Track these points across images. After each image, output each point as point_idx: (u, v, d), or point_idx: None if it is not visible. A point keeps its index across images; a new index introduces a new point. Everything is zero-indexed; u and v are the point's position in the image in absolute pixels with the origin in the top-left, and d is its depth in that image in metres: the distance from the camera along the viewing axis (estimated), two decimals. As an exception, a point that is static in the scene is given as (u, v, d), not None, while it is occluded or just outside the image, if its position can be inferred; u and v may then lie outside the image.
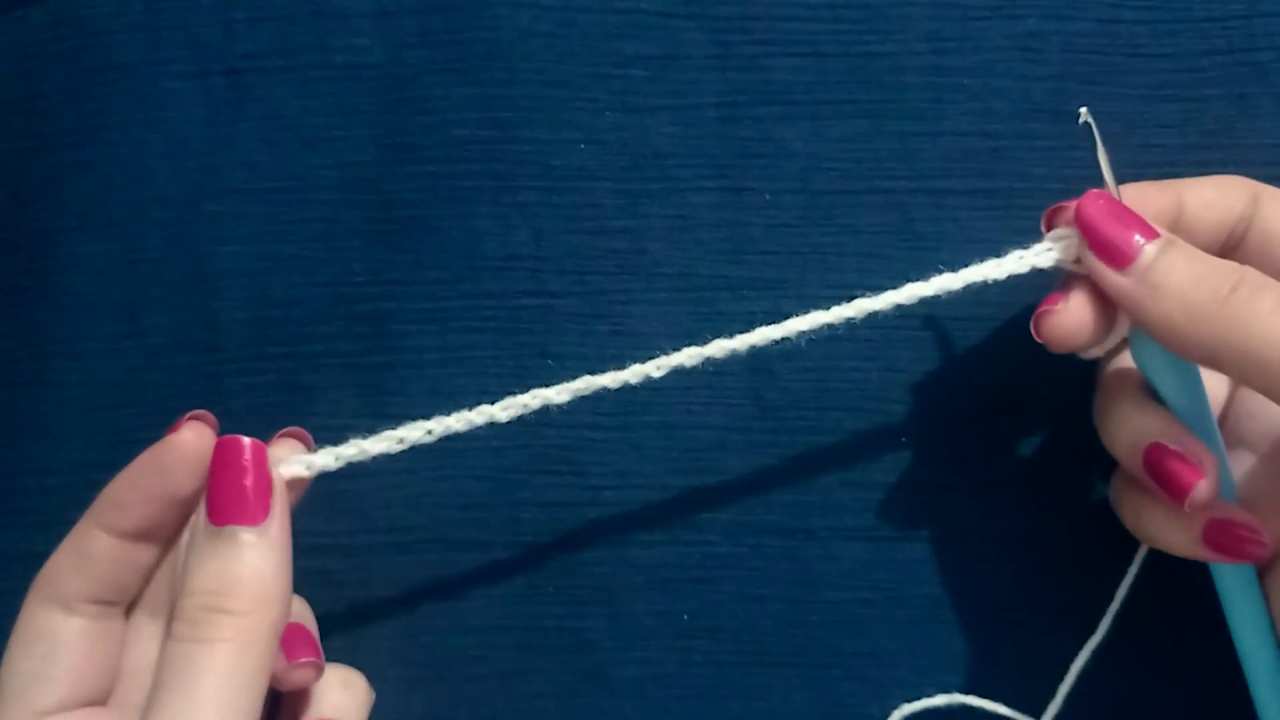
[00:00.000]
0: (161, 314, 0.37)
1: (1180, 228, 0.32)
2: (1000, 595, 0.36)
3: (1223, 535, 0.31)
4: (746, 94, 0.37)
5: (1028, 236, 0.35)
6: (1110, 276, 0.30)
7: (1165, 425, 0.31)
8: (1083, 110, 0.31)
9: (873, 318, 0.36)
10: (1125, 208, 0.30)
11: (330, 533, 0.36)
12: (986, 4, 0.37)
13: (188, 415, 0.30)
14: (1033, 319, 0.31)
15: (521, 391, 0.34)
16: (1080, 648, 0.35)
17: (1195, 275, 0.29)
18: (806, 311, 0.35)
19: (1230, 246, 0.32)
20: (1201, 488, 0.30)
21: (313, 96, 0.37)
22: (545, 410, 0.35)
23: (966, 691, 0.35)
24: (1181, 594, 0.35)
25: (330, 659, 0.35)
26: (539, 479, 0.36)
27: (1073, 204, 0.31)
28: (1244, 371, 0.28)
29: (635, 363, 0.34)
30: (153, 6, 0.38)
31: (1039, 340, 0.31)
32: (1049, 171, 0.37)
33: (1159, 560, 0.35)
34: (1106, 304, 0.31)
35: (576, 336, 0.36)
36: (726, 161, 0.37)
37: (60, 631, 0.29)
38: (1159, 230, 0.30)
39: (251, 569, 0.27)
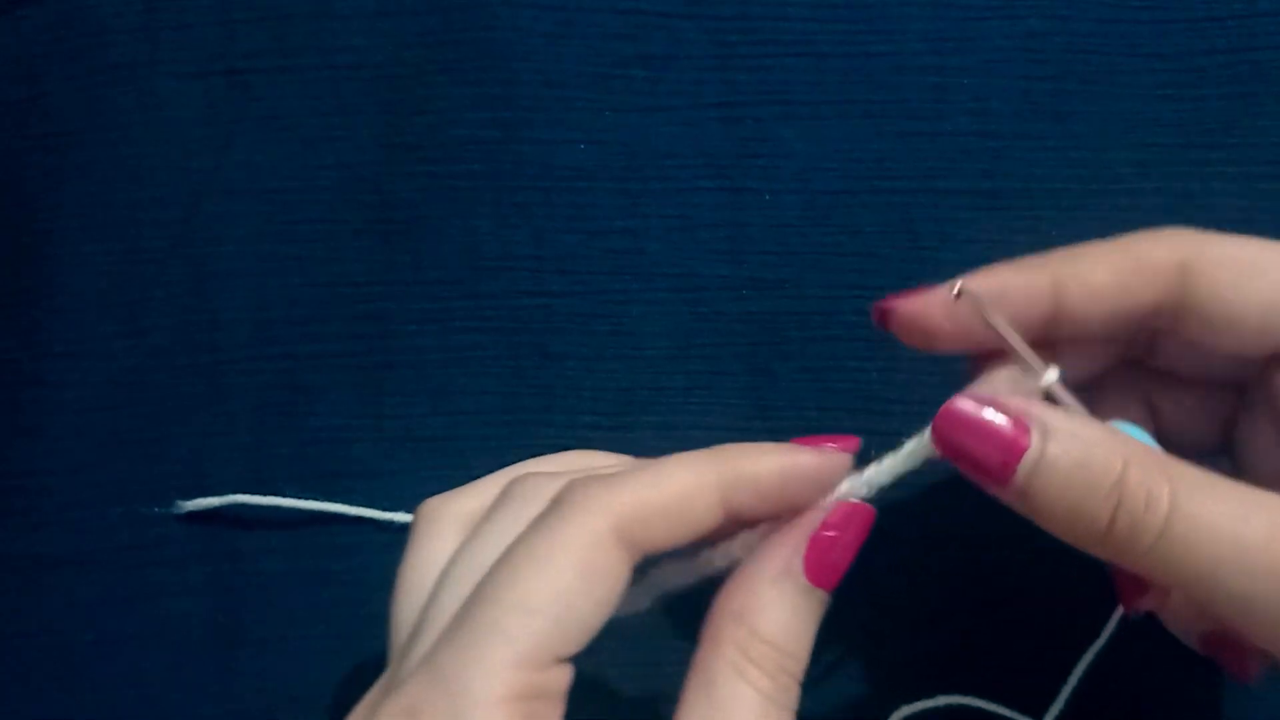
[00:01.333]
0: (161, 314, 0.37)
1: (1063, 323, 0.28)
2: (1000, 595, 0.36)
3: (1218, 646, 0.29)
4: (746, 94, 0.37)
5: (1027, 236, 0.35)
6: (992, 490, 0.27)
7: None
8: (957, 284, 0.28)
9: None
10: (984, 420, 0.26)
11: (330, 533, 0.36)
12: (986, 4, 0.37)
13: (842, 440, 0.28)
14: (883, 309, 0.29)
15: (522, 391, 0.35)
16: (1081, 648, 0.35)
17: (1071, 503, 0.25)
18: (806, 312, 0.36)
19: (1153, 337, 0.29)
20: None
21: (313, 97, 0.37)
22: (546, 410, 0.36)
23: (966, 692, 0.35)
24: (1182, 594, 0.35)
25: (330, 659, 0.36)
26: (539, 479, 0.36)
27: (894, 305, 0.29)
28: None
29: (636, 362, 0.35)
30: (153, 7, 0.38)
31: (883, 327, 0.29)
32: (1049, 171, 0.37)
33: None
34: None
35: (576, 336, 0.37)
36: (726, 161, 0.37)
37: (623, 580, 0.25)
38: (1029, 426, 0.26)
39: (806, 624, 0.26)
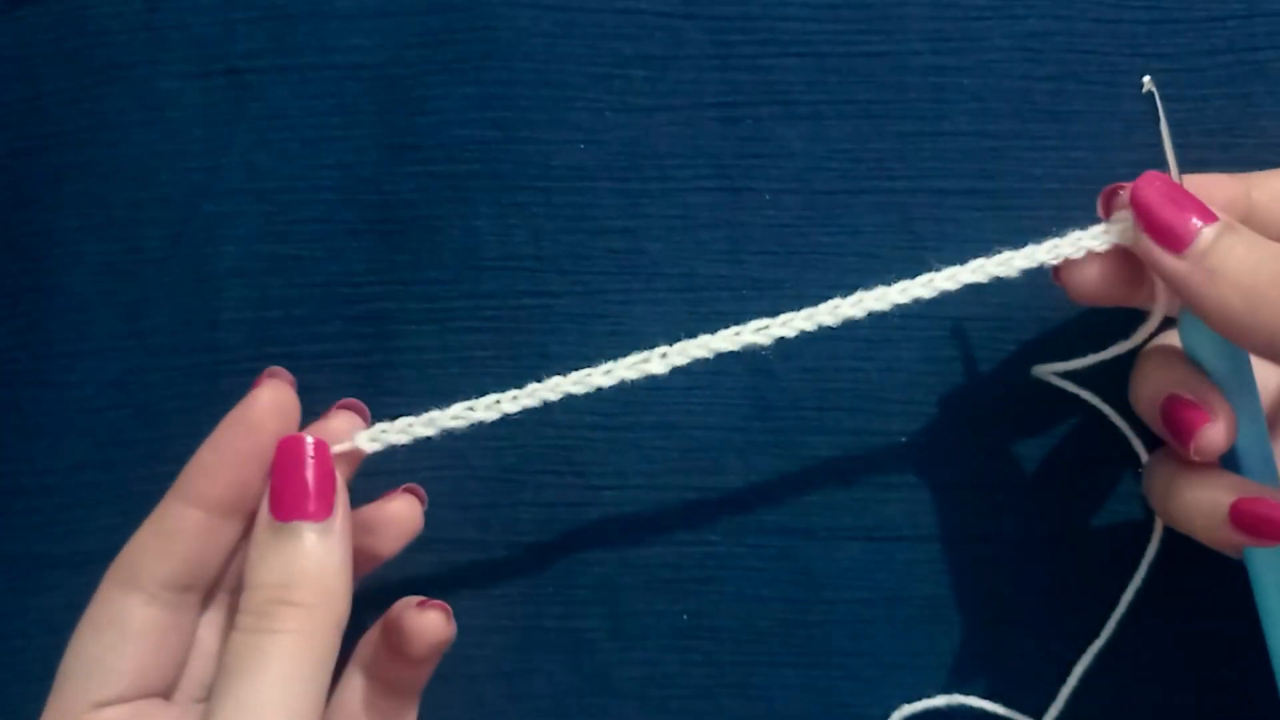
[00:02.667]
0: (162, 314, 0.37)
1: (1250, 224, 0.30)
2: (1000, 595, 0.36)
3: (1251, 514, 0.30)
4: (746, 94, 0.37)
5: (1027, 236, 0.35)
6: (1166, 260, 0.29)
7: (1188, 378, 0.30)
8: (1146, 80, 0.31)
9: (872, 318, 0.37)
10: (1182, 190, 0.29)
11: None
12: (986, 4, 0.37)
13: (265, 371, 0.30)
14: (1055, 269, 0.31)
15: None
16: (1081, 648, 0.35)
17: (1255, 260, 0.28)
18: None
19: None
20: (1210, 431, 0.29)
21: (312, 97, 0.37)
22: (546, 410, 0.36)
23: (966, 692, 0.36)
24: (1185, 595, 0.35)
25: None
26: (539, 479, 0.36)
27: (1129, 186, 0.30)
28: None
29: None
30: (153, 6, 0.38)
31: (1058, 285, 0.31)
32: (1048, 171, 0.37)
33: (1163, 562, 0.35)
34: (1135, 266, 0.30)
35: (576, 336, 0.37)
36: (726, 161, 0.37)
37: (134, 620, 0.29)
38: (1218, 214, 0.29)
39: (316, 563, 0.28)
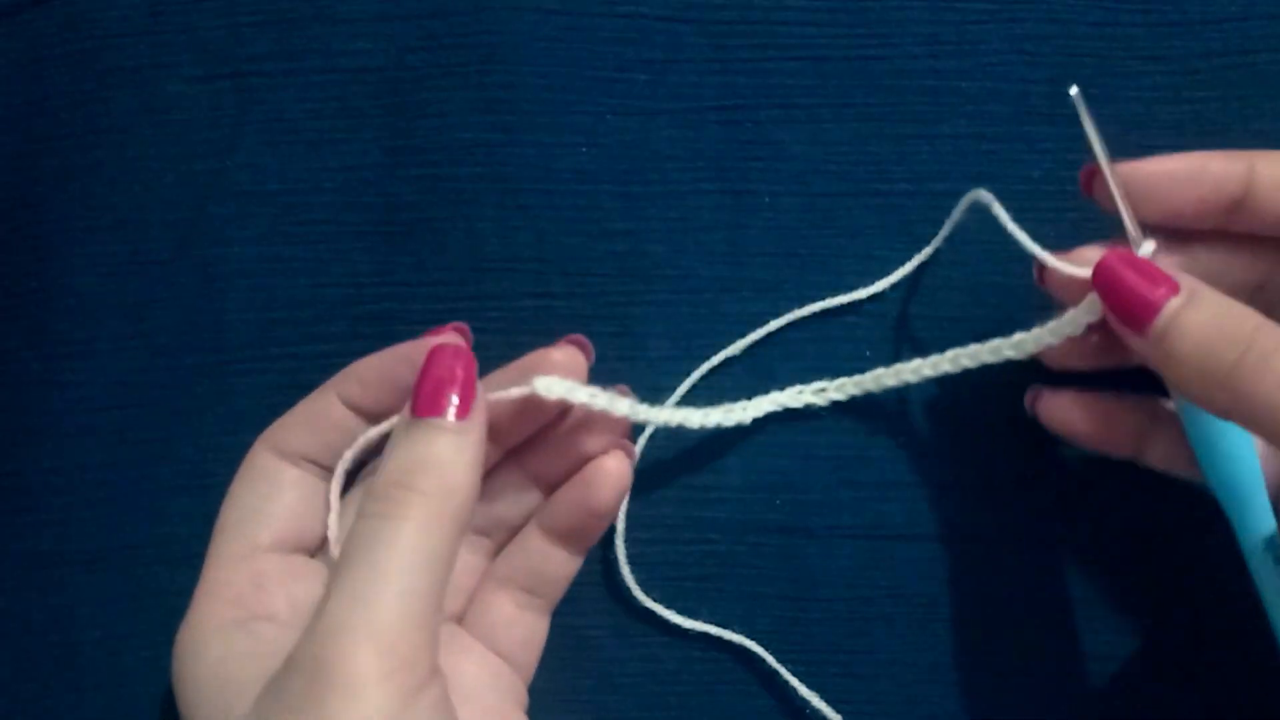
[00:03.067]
0: (167, 315, 0.37)
1: (1247, 205, 0.31)
2: (999, 594, 0.36)
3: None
4: (746, 97, 0.37)
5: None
6: (1131, 340, 0.30)
7: None
8: (1073, 90, 0.32)
9: (872, 318, 0.37)
10: (1142, 265, 0.30)
11: None
12: (984, 7, 0.37)
13: (450, 325, 0.33)
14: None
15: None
16: (1080, 647, 0.35)
17: (1206, 341, 0.29)
18: (806, 313, 0.36)
19: None
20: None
21: (317, 100, 0.37)
22: None
23: (966, 691, 0.36)
24: (1186, 595, 0.35)
25: None
26: (540, 478, 0.36)
27: (1087, 252, 0.32)
28: (1262, 434, 0.28)
29: (637, 363, 0.35)
30: (158, 10, 0.38)
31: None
32: (1046, 174, 0.37)
33: (1164, 561, 0.35)
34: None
35: None
36: (726, 164, 0.37)
37: (282, 475, 0.32)
38: (1179, 281, 0.30)
39: (444, 456, 0.29)
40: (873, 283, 0.37)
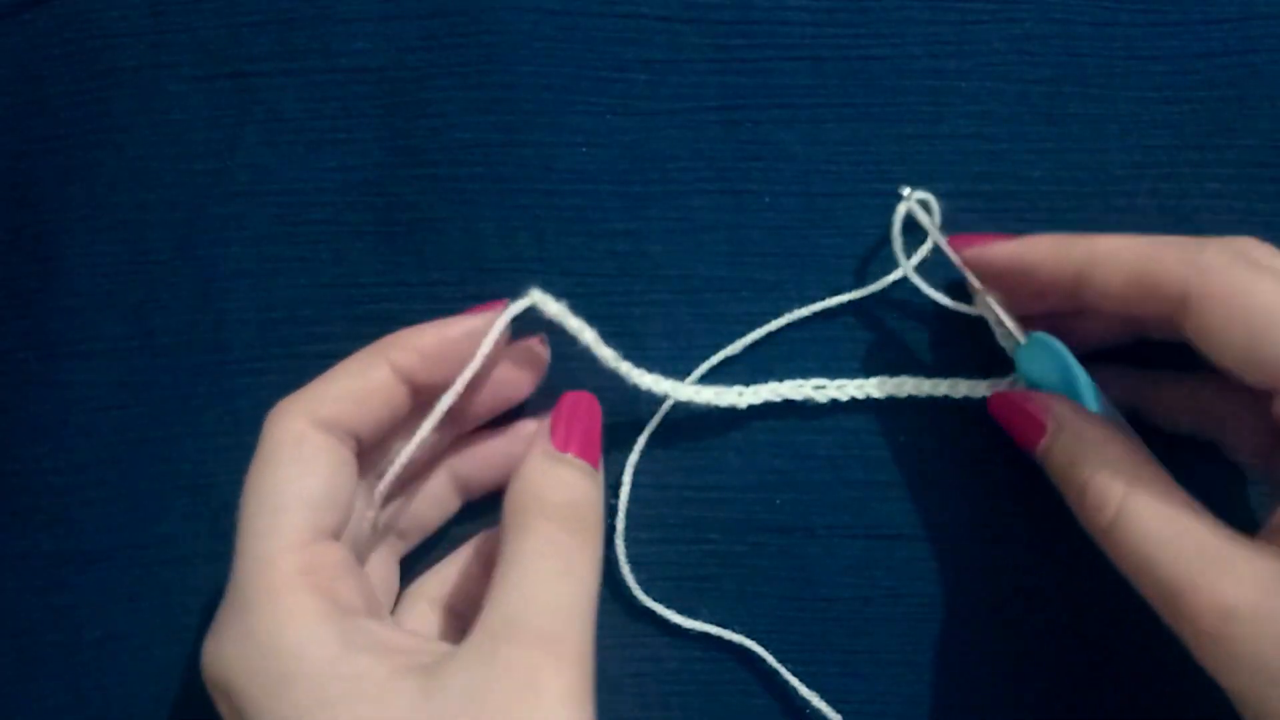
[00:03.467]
0: (168, 315, 0.37)
1: (1084, 303, 0.33)
2: (999, 594, 0.36)
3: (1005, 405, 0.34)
4: (746, 97, 0.37)
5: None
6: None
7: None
8: (905, 192, 0.35)
9: (872, 318, 0.37)
10: (1017, 407, 0.34)
11: None
12: (984, 7, 0.37)
13: (503, 301, 0.33)
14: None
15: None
16: (1080, 647, 0.36)
17: (1062, 483, 0.32)
18: (806, 313, 0.37)
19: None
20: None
21: (317, 100, 0.37)
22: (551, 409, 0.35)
23: (966, 691, 0.36)
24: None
25: None
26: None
27: (997, 247, 0.34)
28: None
29: (638, 363, 0.35)
30: (158, 10, 0.38)
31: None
32: (1045, 174, 0.37)
33: None
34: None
35: None
36: (726, 164, 0.37)
37: (330, 451, 0.31)
38: (1046, 421, 0.33)
39: (592, 496, 0.32)
40: (873, 283, 0.37)
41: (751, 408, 0.36)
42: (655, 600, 0.36)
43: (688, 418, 0.37)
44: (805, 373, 0.37)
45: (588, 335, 0.33)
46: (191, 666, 0.36)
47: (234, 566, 0.30)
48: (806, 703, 0.36)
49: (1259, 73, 0.37)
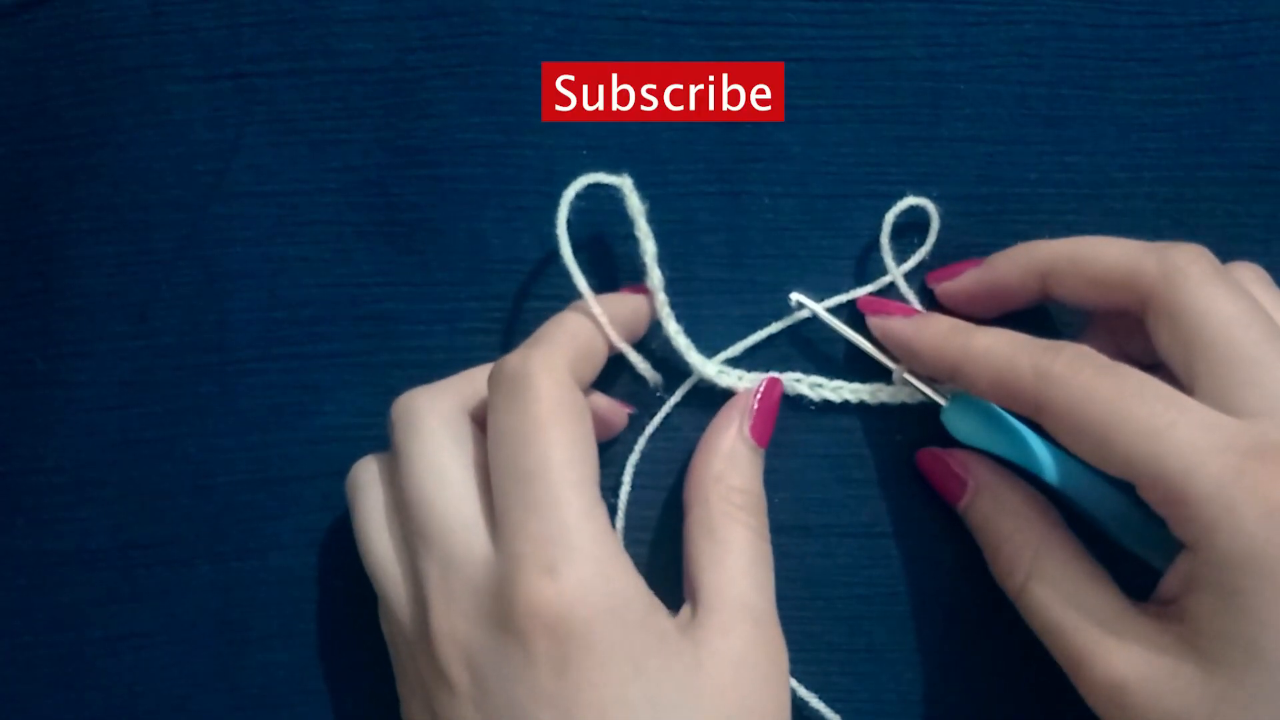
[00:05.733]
0: (171, 315, 0.37)
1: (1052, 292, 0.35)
2: (998, 593, 0.35)
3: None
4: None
5: (1020, 240, 0.36)
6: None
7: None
8: (793, 297, 0.37)
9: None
10: (939, 466, 0.36)
11: (337, 526, 0.37)
12: (983, 9, 0.38)
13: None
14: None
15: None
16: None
17: (991, 552, 0.35)
18: (805, 314, 0.37)
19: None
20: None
21: (318, 100, 0.38)
22: None
23: (965, 690, 0.36)
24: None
25: (334, 656, 0.37)
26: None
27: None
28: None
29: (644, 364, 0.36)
30: (160, 11, 0.38)
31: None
32: (1043, 176, 0.37)
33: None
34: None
35: None
36: (726, 166, 0.37)
37: (588, 413, 0.32)
38: (967, 481, 0.35)
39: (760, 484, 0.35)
40: (873, 283, 0.37)
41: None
42: (657, 598, 0.36)
43: (687, 419, 0.37)
44: (805, 373, 0.37)
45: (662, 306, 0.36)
46: (194, 665, 0.37)
47: (549, 512, 0.30)
48: (805, 703, 0.36)
49: (1258, 74, 0.38)
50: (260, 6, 0.38)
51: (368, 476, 0.34)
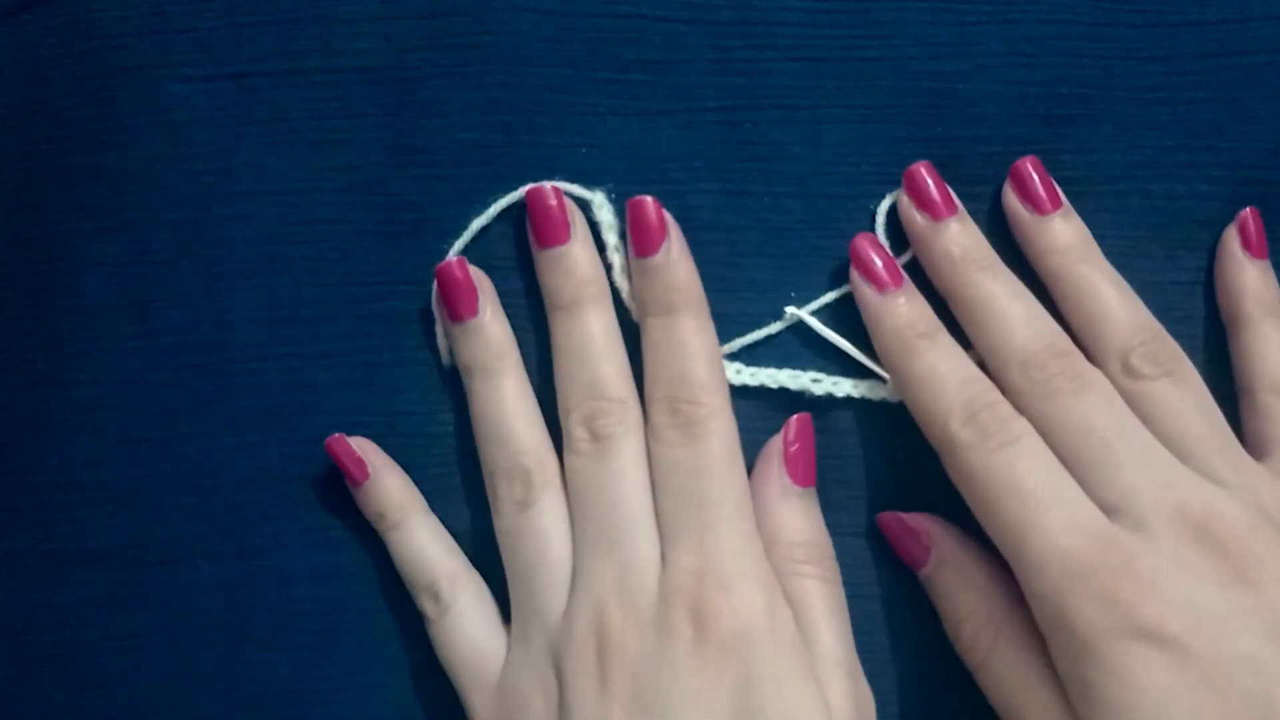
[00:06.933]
0: (171, 314, 0.37)
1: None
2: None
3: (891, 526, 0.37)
4: (745, 98, 0.38)
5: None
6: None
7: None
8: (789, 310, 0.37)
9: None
10: (902, 531, 0.36)
11: (338, 526, 0.37)
12: (982, 9, 0.38)
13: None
14: None
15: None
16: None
17: (953, 626, 0.35)
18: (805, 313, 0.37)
19: None
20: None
21: (318, 100, 0.38)
22: (553, 407, 0.36)
23: (966, 691, 0.36)
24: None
25: (336, 656, 0.37)
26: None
27: None
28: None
29: (639, 364, 0.36)
30: (159, 10, 0.38)
31: None
32: None
33: None
34: None
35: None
36: (725, 165, 0.38)
37: None
38: (930, 548, 0.36)
39: (822, 521, 0.36)
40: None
41: (751, 406, 0.37)
42: (655, 599, 0.36)
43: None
44: (805, 371, 0.37)
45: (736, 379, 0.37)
46: (194, 666, 0.37)
47: (726, 535, 0.33)
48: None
49: (1256, 73, 0.38)
50: (260, 6, 0.38)
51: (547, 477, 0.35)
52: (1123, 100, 0.38)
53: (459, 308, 0.36)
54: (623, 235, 0.37)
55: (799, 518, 0.35)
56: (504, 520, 0.35)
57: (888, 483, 0.37)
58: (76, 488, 0.38)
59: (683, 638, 0.32)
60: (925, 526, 0.36)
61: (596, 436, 0.35)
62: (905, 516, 0.36)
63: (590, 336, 0.35)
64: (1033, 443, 0.33)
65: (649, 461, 0.34)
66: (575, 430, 0.35)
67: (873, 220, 0.38)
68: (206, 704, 0.37)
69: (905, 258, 0.37)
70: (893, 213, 0.37)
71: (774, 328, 0.38)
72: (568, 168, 0.38)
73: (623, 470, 0.34)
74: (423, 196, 0.38)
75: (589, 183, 0.38)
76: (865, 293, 0.36)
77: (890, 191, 0.38)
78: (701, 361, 0.35)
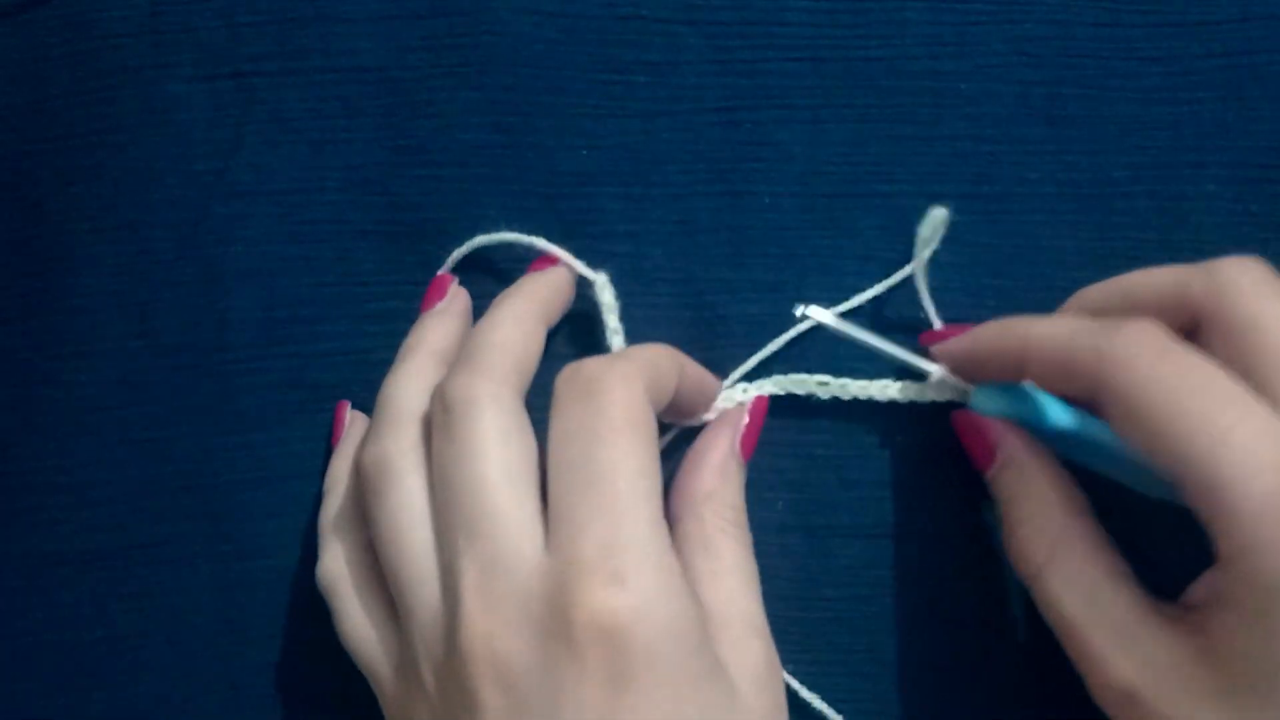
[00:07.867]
0: (171, 314, 0.38)
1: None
2: (999, 594, 0.36)
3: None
4: (746, 98, 0.38)
5: (1021, 240, 0.37)
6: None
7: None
8: (799, 310, 0.35)
9: (872, 316, 0.38)
10: (972, 430, 0.35)
11: None
12: (984, 8, 0.38)
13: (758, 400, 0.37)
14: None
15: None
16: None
17: (1009, 531, 0.33)
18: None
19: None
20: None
21: (318, 99, 0.38)
22: (545, 408, 0.36)
23: (966, 690, 0.36)
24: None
25: (334, 656, 0.35)
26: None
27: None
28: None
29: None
30: (159, 10, 0.38)
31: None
32: (1044, 175, 0.38)
33: (1163, 560, 0.36)
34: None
35: (581, 338, 0.37)
36: (726, 165, 0.38)
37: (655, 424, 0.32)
38: (996, 451, 0.34)
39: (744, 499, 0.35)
40: (873, 284, 0.37)
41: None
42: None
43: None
44: (805, 370, 0.37)
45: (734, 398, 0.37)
46: (193, 666, 0.37)
47: (619, 518, 0.29)
48: (807, 704, 0.36)
49: (1258, 73, 0.38)
50: (260, 6, 0.38)
51: (406, 462, 0.32)
52: (1126, 101, 0.38)
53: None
54: (622, 318, 0.37)
55: (736, 484, 0.35)
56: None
57: (889, 484, 0.38)
58: (74, 488, 0.38)
59: (569, 642, 0.28)
60: (994, 425, 0.34)
61: (447, 408, 0.31)
62: (978, 416, 0.35)
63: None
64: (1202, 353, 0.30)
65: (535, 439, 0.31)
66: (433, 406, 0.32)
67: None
68: (206, 704, 0.37)
69: (924, 256, 0.37)
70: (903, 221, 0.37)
71: (788, 336, 0.38)
72: (568, 168, 0.38)
73: (490, 455, 0.30)
74: (423, 197, 0.38)
75: (589, 183, 0.38)
76: (952, 345, 0.36)
77: (892, 192, 0.38)
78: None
